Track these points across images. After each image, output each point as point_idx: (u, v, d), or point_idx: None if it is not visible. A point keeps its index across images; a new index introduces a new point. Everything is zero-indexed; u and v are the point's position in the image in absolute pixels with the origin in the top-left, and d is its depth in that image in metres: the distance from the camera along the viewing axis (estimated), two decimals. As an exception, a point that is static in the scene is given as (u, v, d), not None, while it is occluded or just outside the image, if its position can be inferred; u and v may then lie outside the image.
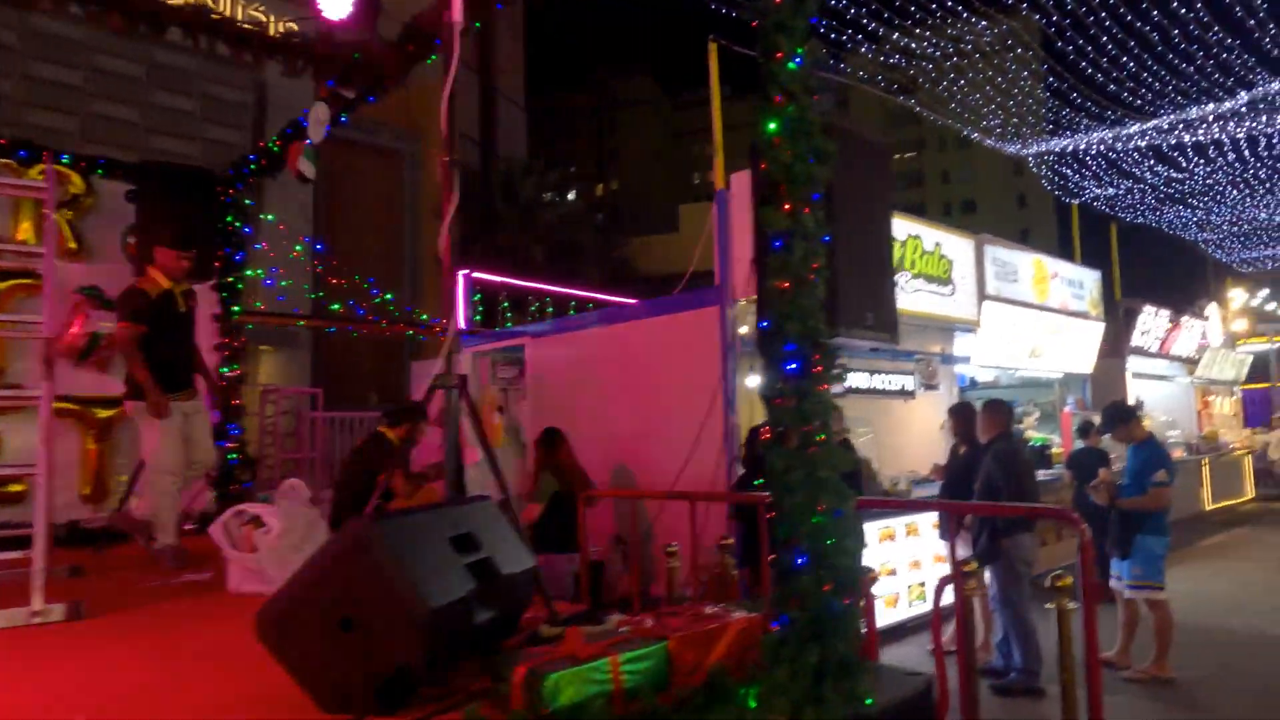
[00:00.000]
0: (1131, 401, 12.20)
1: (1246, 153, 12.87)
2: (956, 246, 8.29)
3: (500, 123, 32.21)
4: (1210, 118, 9.83)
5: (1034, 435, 10.17)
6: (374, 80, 4.82)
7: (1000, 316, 8.72)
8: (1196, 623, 6.90)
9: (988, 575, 5.51)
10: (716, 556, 5.43)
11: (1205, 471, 13.97)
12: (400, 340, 15.29)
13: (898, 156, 69.06)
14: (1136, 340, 12.18)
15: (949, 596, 3.06)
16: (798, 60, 2.75)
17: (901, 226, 7.59)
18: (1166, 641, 5.50)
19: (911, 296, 7.66)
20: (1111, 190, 14.59)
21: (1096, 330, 10.76)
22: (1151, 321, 12.44)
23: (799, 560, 2.46)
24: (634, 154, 66.96)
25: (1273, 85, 8.69)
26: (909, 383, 7.69)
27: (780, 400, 2.59)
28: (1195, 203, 15.25)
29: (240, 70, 10.08)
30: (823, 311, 2.65)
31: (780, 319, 2.57)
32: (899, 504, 6.01)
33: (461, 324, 9.70)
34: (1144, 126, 10.13)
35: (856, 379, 7.09)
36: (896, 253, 7.43)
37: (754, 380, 10.29)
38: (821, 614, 2.46)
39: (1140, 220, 16.25)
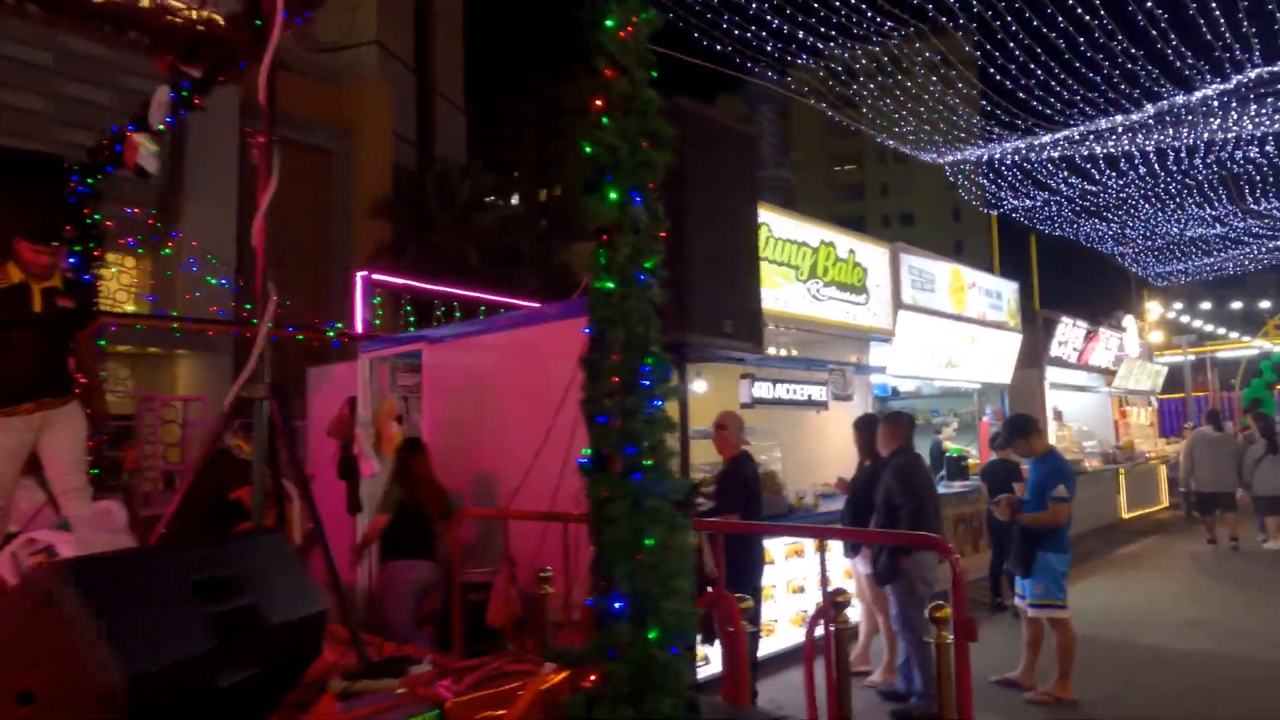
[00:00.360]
0: (1050, 412, 12.31)
1: (1156, 166, 13.18)
2: (871, 254, 8.14)
3: (439, 124, 31.53)
4: (1119, 129, 9.95)
5: (951, 446, 10.09)
6: (224, 57, 4.34)
7: (916, 326, 8.60)
8: (1104, 638, 6.82)
9: (889, 594, 5.29)
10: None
11: (1122, 480, 14.19)
12: (316, 344, 14.63)
13: (838, 169, 70.04)
14: (1055, 351, 12.28)
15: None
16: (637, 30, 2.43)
17: (814, 233, 7.39)
18: (1069, 661, 5.34)
19: (825, 305, 7.46)
20: (1029, 202, 14.81)
21: (1014, 341, 10.78)
22: (1069, 332, 12.57)
23: (616, 604, 2.12)
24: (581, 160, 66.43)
25: (1178, 98, 8.82)
26: (819, 393, 7.47)
27: (605, 420, 2.25)
28: (1110, 216, 15.63)
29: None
30: (657, 317, 2.32)
31: (603, 324, 2.23)
32: (769, 528, 5.71)
33: (359, 327, 9.26)
34: (1055, 137, 10.21)
35: (761, 389, 6.82)
36: (808, 260, 7.23)
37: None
38: (646, 666, 2.12)
39: (1059, 233, 16.61)
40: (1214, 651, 6.39)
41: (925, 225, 61.14)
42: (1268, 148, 12.20)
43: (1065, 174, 13.47)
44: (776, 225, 6.90)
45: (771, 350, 7.89)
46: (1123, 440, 14.35)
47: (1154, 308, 17.93)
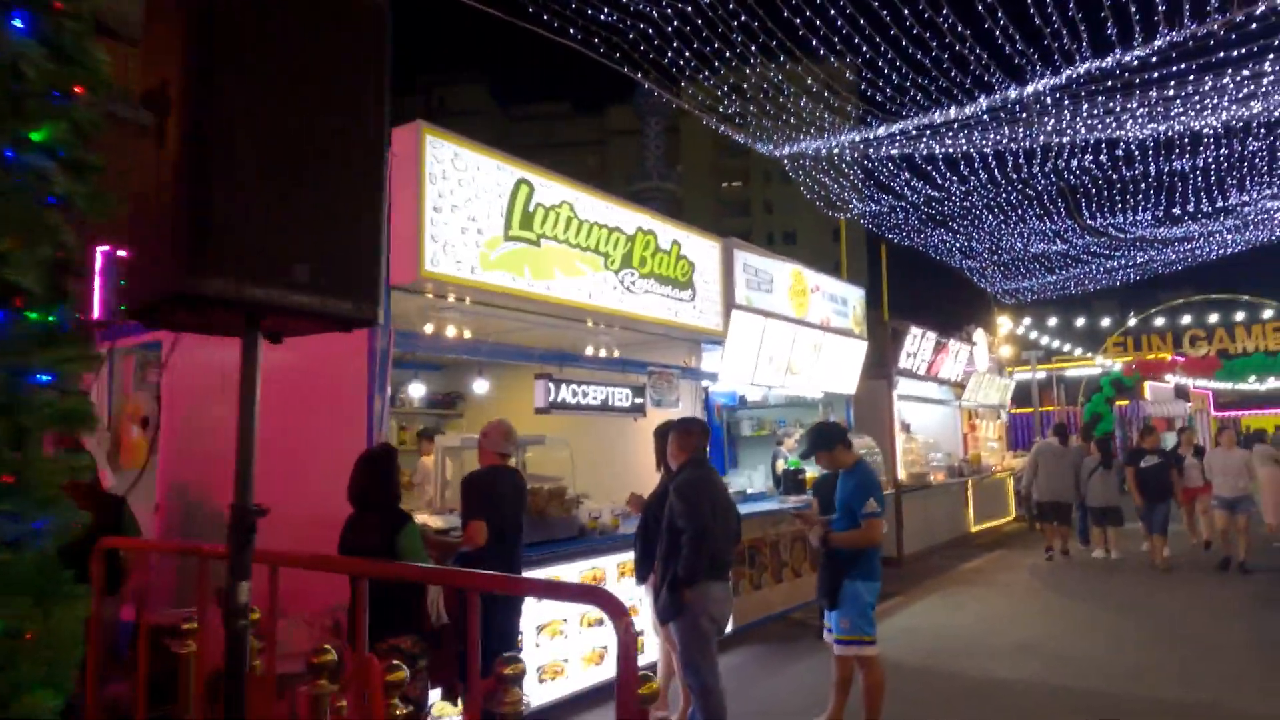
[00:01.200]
0: (898, 424, 12.05)
1: (996, 172, 13.29)
2: (699, 248, 7.43)
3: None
4: (954, 124, 9.75)
5: (791, 458, 9.55)
6: None
7: (751, 328, 7.96)
8: (934, 667, 6.29)
9: (673, 633, 4.48)
10: (323, 631, 4.05)
11: (970, 494, 14.20)
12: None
13: (726, 185, 71.14)
14: (904, 362, 12.03)
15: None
16: None
17: (630, 218, 6.60)
18: (878, 703, 4.66)
19: (642, 299, 6.67)
20: (874, 206, 14.74)
21: (860, 349, 10.38)
22: (918, 343, 12.37)
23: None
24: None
25: (1010, 91, 8.65)
26: (634, 399, 6.67)
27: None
28: (956, 227, 15.80)
29: None
30: (52, 229, 1.35)
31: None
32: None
33: (96, 311, 7.81)
34: (891, 130, 9.93)
35: (563, 393, 5.95)
36: (620, 247, 6.42)
37: (420, 390, 9.06)
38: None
39: (909, 243, 16.69)
40: (1040, 680, 5.93)
41: (807, 244, 62.58)
42: (1101, 156, 12.50)
43: (907, 175, 13.40)
44: (582, 205, 6.06)
45: (589, 350, 7.05)
46: (970, 454, 14.35)
47: (1004, 323, 18.32)
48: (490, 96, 70.62)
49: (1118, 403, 20.50)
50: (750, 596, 7.46)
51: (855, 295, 10.53)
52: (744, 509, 8.36)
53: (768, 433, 10.99)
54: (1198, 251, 17.43)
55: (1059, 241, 16.39)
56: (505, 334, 6.64)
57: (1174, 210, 14.77)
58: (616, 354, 7.29)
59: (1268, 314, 19.50)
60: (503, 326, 6.45)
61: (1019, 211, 14.63)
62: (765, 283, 8.43)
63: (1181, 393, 26.22)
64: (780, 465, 9.77)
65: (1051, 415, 23.39)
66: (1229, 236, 16.50)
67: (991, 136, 10.79)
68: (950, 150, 11.67)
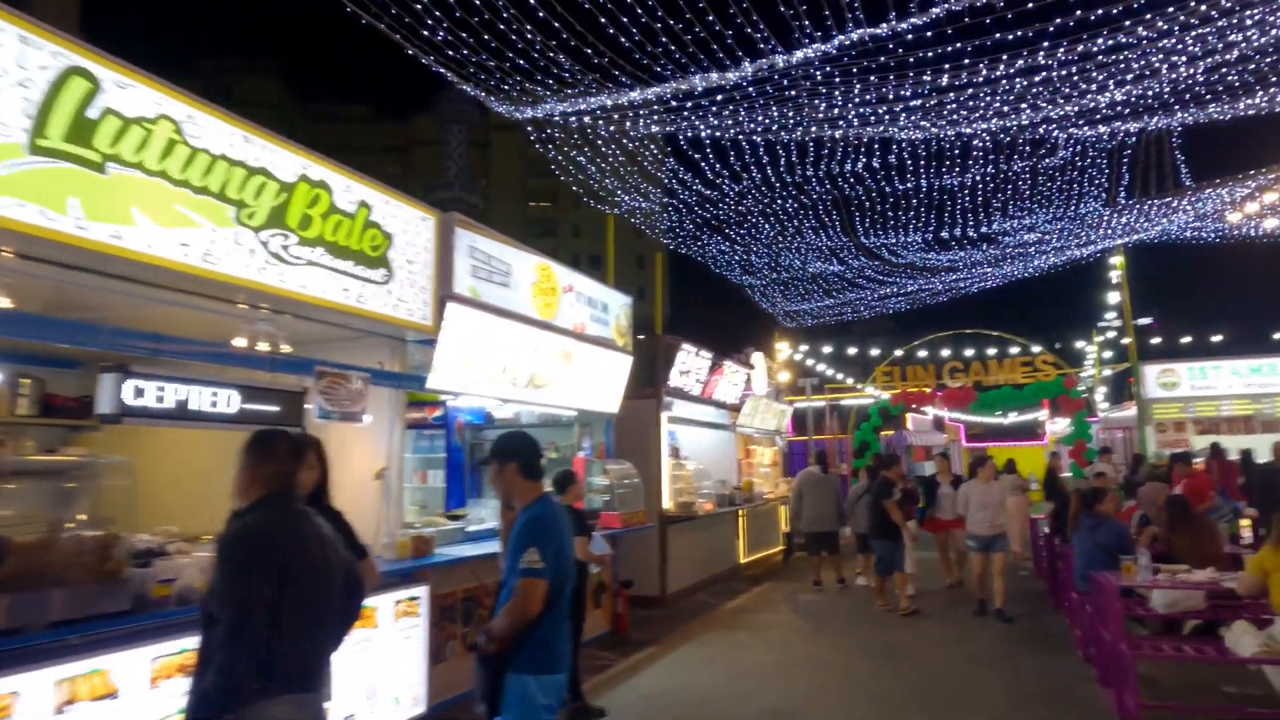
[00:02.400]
0: (666, 447, 10.98)
1: (769, 169, 12.83)
2: (402, 217, 5.80)
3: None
4: (718, 93, 8.86)
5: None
6: None
7: (473, 327, 6.43)
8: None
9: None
10: None
11: (742, 523, 13.51)
12: None
13: (533, 205, 70.45)
14: (675, 381, 11.03)
15: None
16: None
17: (292, 162, 4.85)
18: None
19: (301, 273, 4.92)
20: (643, 203, 13.87)
21: (624, 364, 9.18)
22: (692, 362, 11.44)
23: None
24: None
25: (777, 56, 7.86)
26: (286, 409, 4.88)
27: None
28: (734, 235, 15.36)
29: None
30: None
31: None
32: None
33: None
34: (645, 93, 8.89)
35: (149, 394, 4.06)
36: (269, 197, 4.65)
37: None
38: None
39: (685, 251, 16.09)
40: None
41: (614, 270, 62.63)
42: (874, 160, 12.39)
43: (674, 163, 12.60)
44: (198, 127, 4.25)
45: (243, 340, 5.18)
46: (743, 481, 13.67)
47: (784, 348, 18.22)
48: (285, 90, 65.18)
49: (883, 432, 21.14)
50: (462, 662, 5.85)
51: (619, 302, 9.33)
52: (466, 550, 6.78)
53: (518, 457, 9.46)
54: (960, 284, 18.38)
55: (835, 261, 16.49)
56: (82, 308, 4.63)
57: (942, 234, 15.27)
58: (288, 350, 5.46)
59: (1014, 350, 20.99)
60: (79, 299, 4.45)
61: (796, 222, 14.39)
62: (500, 273, 6.95)
63: (939, 424, 27.99)
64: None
65: (825, 443, 23.91)
66: (989, 270, 17.48)
67: (760, 117, 10.01)
68: (717, 132, 10.71)
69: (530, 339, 7.29)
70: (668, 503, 10.54)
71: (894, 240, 15.80)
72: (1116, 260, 17.07)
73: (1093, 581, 6.44)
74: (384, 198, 5.62)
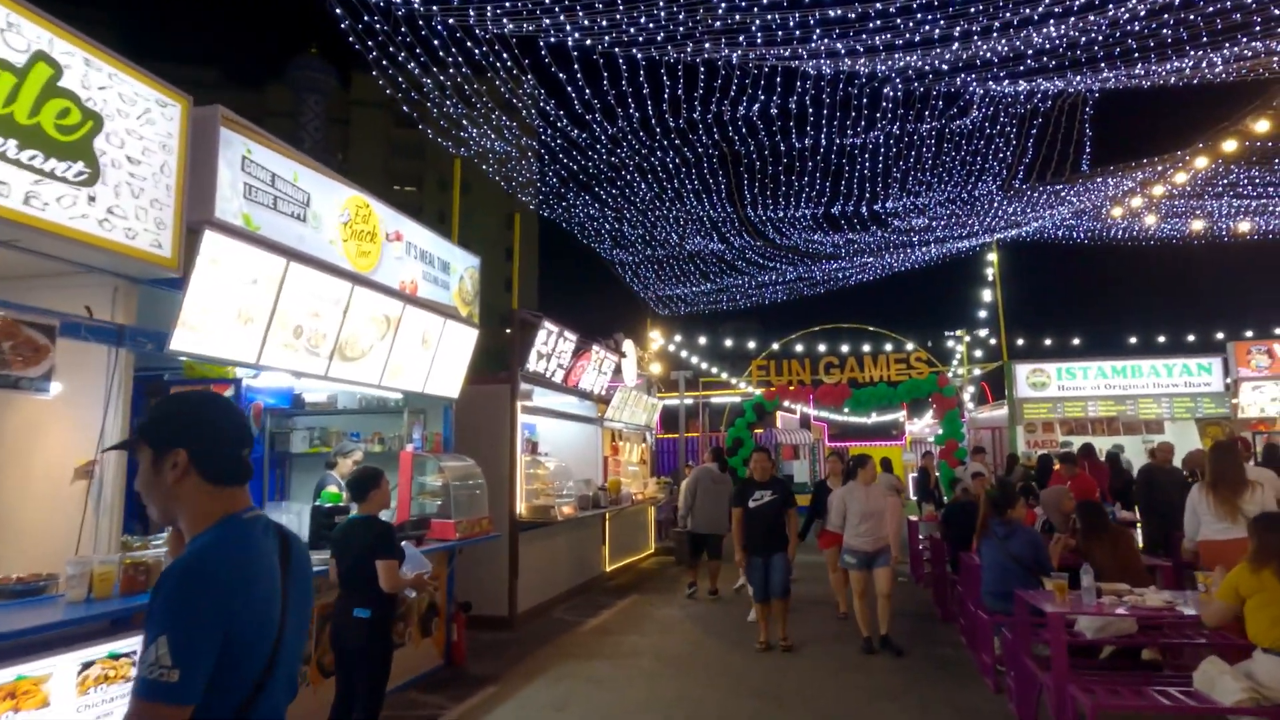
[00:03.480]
0: (521, 441, 9.39)
1: (649, 107, 11.23)
2: (119, 91, 3.95)
3: None
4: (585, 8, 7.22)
5: (330, 490, 6.34)
6: None
7: (242, 266, 4.64)
8: None
9: None
10: None
11: (607, 527, 12.12)
12: None
13: (397, 188, 67.17)
14: (534, 364, 9.45)
15: None
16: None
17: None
18: None
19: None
20: (502, 145, 12.04)
21: (468, 338, 7.54)
22: (555, 343, 9.90)
23: None
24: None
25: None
26: None
27: None
28: (604, 193, 13.63)
29: None
30: None
31: None
32: None
33: None
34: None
35: None
36: None
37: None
38: None
39: (550, 214, 14.44)
40: None
41: (484, 260, 60.11)
42: (771, 103, 11.23)
43: (532, 83, 10.84)
44: None
45: None
46: (608, 480, 12.26)
47: (656, 337, 17.02)
48: (120, 43, 58.50)
49: (755, 429, 20.42)
50: None
51: (465, 264, 7.67)
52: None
53: (333, 448, 7.58)
54: (840, 274, 17.82)
55: (716, 238, 15.36)
56: None
57: (834, 209, 14.43)
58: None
59: (889, 346, 20.80)
60: None
61: (675, 182, 13.08)
62: (292, 201, 5.16)
63: (805, 422, 27.75)
64: (329, 489, 6.48)
65: (696, 441, 22.99)
66: (870, 260, 16.96)
67: (643, 20, 8.51)
68: (588, 39, 9.01)
69: (337, 292, 5.53)
70: (521, 507, 8.96)
71: (781, 214, 14.85)
72: (991, 257, 16.98)
73: (1018, 602, 5.42)
74: (87, 55, 3.75)
